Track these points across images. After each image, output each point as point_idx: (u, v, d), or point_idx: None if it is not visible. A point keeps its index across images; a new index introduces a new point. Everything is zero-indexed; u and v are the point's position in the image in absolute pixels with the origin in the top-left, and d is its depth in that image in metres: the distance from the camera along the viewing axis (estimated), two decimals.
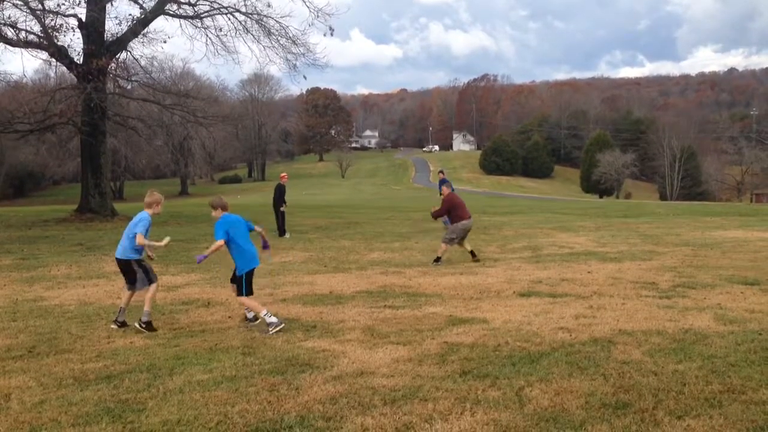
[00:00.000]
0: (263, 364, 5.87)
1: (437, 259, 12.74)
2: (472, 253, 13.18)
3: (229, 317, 7.91)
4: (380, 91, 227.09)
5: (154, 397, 5.03)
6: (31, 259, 13.62)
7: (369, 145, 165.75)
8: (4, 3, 20.55)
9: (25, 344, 6.72)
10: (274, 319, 7.22)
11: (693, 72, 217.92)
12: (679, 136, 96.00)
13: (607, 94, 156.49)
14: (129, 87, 28.19)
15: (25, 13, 21.88)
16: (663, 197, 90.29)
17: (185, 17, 25.47)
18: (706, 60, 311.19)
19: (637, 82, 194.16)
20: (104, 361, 6.07)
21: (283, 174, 20.57)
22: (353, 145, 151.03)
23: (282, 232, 19.04)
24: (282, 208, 19.09)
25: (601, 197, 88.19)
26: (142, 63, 26.54)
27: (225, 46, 25.91)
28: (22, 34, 22.69)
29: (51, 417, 4.68)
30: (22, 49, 23.39)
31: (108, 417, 4.65)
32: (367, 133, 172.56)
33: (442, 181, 21.55)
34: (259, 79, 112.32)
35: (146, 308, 7.36)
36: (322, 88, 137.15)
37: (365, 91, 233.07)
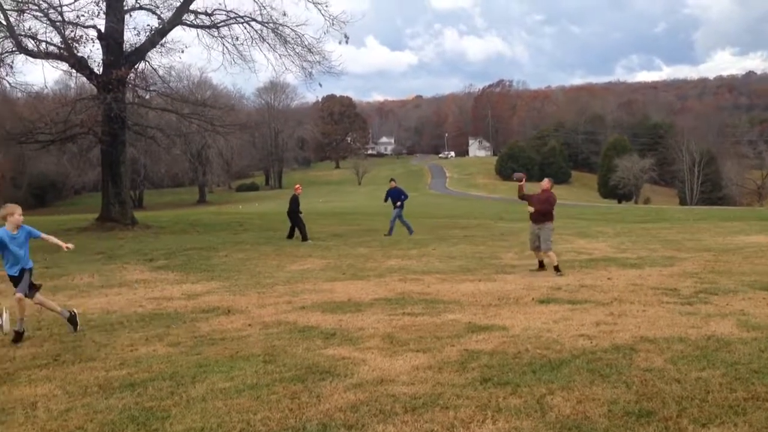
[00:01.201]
0: (284, 371, 5.90)
1: (557, 268, 11.98)
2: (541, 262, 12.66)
3: (249, 325, 7.95)
4: (395, 98, 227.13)
5: (177, 405, 5.08)
6: (54, 267, 13.79)
7: (385, 152, 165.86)
8: (25, 14, 20.88)
9: (50, 353, 6.81)
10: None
11: (711, 75, 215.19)
12: (697, 141, 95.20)
13: (624, 98, 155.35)
14: (147, 96, 28.43)
15: (45, 25, 22.20)
16: (683, 202, 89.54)
17: (202, 27, 25.71)
18: (724, 63, 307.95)
19: (654, 86, 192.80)
20: (128, 368, 6.14)
21: (297, 185, 21.32)
22: (369, 151, 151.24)
23: (304, 237, 19.68)
24: (300, 214, 19.94)
25: (619, 202, 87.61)
26: (161, 73, 26.81)
27: (241, 55, 26.10)
28: (43, 46, 23.00)
29: (77, 425, 4.74)
30: (43, 61, 23.74)
31: (133, 425, 4.70)
32: (383, 139, 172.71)
33: (394, 190, 21.60)
34: (275, 87, 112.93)
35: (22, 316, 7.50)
36: (337, 95, 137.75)
37: (380, 98, 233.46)
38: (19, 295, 7.41)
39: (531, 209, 12.26)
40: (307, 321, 8.11)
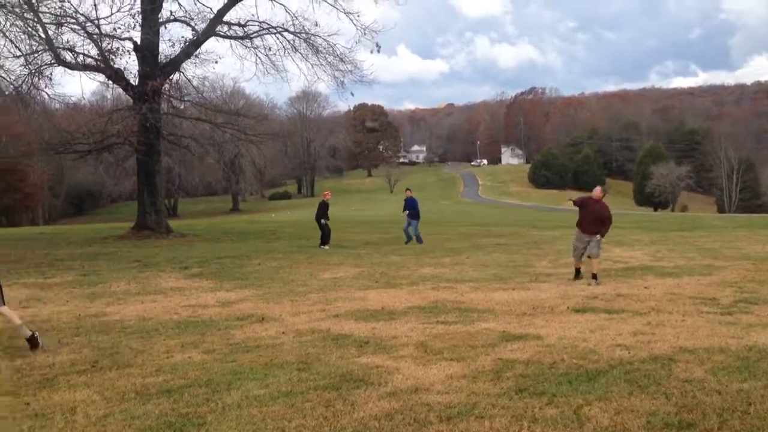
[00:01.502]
0: (318, 379, 5.91)
1: (595, 276, 11.79)
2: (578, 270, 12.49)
3: (283, 333, 7.99)
4: (427, 106, 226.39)
5: (213, 412, 5.12)
6: (92, 275, 14.04)
7: (417, 160, 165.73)
8: (63, 28, 21.33)
9: (89, 359, 6.92)
10: None
11: (749, 81, 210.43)
12: (735, 147, 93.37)
13: (659, 104, 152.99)
14: (182, 107, 28.85)
15: (82, 38, 22.59)
16: (721, 210, 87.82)
17: (235, 38, 26.05)
18: (762, 68, 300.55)
19: (690, 92, 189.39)
20: (164, 375, 6.21)
21: (326, 192, 21.85)
22: (401, 160, 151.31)
23: (324, 242, 20.09)
24: (323, 221, 20.23)
25: (655, 210, 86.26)
26: (195, 83, 27.22)
27: (274, 65, 26.33)
28: (80, 58, 23.46)
29: (115, 430, 4.81)
30: (81, 72, 24.24)
31: (170, 431, 4.75)
32: (415, 147, 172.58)
33: (410, 200, 21.66)
34: (307, 96, 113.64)
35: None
36: (369, 104, 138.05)
37: (412, 106, 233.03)
38: (2, 309, 7.43)
39: (599, 236, 11.98)
40: (340, 329, 8.12)
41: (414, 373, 6.08)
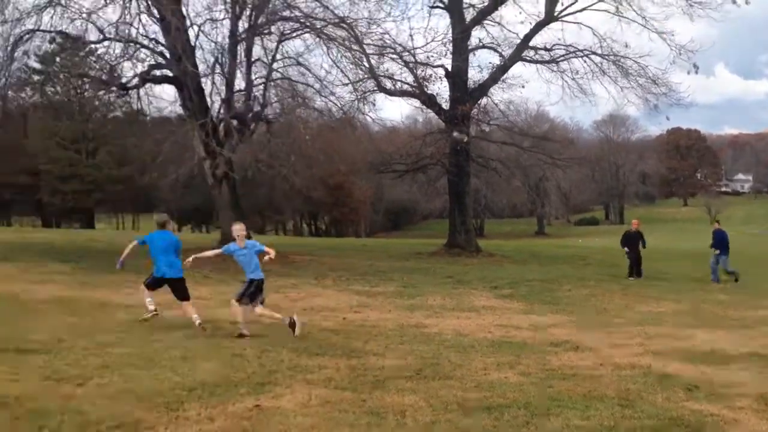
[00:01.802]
0: (643, 419, 5.54)
1: None
2: None
3: (601, 364, 7.67)
4: (751, 131, 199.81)
5: None
6: (410, 288, 15.05)
7: (741, 190, 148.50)
8: (383, 58, 23.50)
9: (413, 366, 7.36)
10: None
11: None
12: None
13: None
14: (488, 130, 29.91)
15: (400, 66, 24.57)
16: None
17: (541, 62, 26.34)
18: None
19: None
20: (483, 392, 6.34)
21: (635, 221, 21.04)
22: (723, 189, 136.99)
23: (632, 273, 18.96)
24: (627, 250, 19.27)
25: None
26: (501, 107, 28.10)
27: (581, 89, 26.14)
28: (398, 85, 25.60)
29: None
30: (399, 98, 26.48)
31: None
32: (739, 176, 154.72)
33: (718, 233, 18.52)
34: (614, 120, 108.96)
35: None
36: (683, 128, 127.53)
37: (734, 131, 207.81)
38: (231, 299, 8.73)
39: None
40: (663, 368, 7.53)
41: (757, 427, 5.39)
